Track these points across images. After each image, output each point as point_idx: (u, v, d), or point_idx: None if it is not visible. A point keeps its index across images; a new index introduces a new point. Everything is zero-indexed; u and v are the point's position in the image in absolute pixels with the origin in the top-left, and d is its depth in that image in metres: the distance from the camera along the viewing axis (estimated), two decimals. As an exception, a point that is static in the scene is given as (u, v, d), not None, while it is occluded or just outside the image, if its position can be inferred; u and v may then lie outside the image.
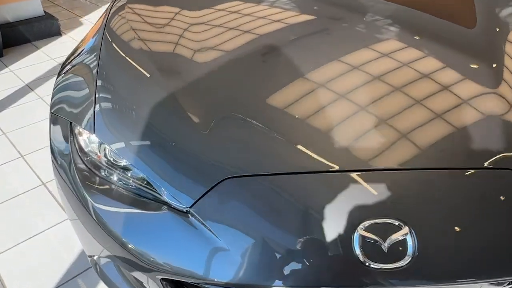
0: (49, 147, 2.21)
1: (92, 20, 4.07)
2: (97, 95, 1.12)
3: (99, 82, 1.15)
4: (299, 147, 0.95)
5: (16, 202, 1.89)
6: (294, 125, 0.99)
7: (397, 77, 1.09)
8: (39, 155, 2.19)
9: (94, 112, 1.09)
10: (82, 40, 1.48)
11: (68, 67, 1.34)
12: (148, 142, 1.01)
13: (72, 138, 1.13)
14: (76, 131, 1.13)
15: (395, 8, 1.41)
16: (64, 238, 1.69)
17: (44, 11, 3.66)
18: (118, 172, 1.05)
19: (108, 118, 1.08)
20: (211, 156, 0.96)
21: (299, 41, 1.22)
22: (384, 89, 1.06)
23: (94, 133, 1.07)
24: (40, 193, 1.93)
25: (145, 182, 1.01)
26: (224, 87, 1.09)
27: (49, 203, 1.87)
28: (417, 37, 1.25)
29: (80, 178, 1.06)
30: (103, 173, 1.07)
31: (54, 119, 1.21)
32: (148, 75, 1.15)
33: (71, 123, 1.14)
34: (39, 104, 2.67)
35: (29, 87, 2.87)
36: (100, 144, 1.08)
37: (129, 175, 1.05)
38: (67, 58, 1.41)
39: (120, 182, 1.04)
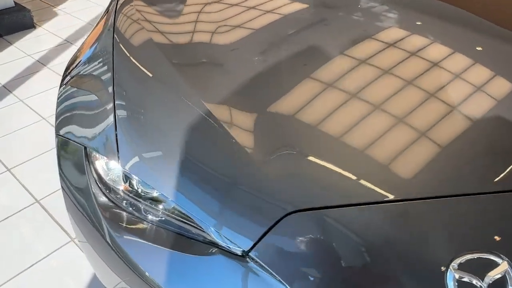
0: (37, 157, 2.02)
1: (67, 9, 3.76)
2: (117, 113, 0.93)
3: (117, 98, 0.96)
4: (372, 173, 0.81)
5: (7, 225, 1.68)
6: (363, 148, 0.84)
7: (445, 85, 0.95)
8: (28, 167, 1.98)
9: (116, 135, 0.91)
10: (81, 46, 1.27)
11: (72, 78, 1.14)
12: (189, 172, 0.85)
13: (88, 166, 0.95)
14: (93, 156, 0.95)
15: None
16: (69, 265, 1.51)
17: (13, 1, 3.33)
18: (148, 204, 0.89)
19: (136, 143, 0.90)
20: (270, 187, 0.81)
21: (353, 52, 1.06)
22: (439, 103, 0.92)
23: (119, 161, 0.89)
24: (34, 212, 1.73)
25: (185, 217, 0.86)
26: (274, 108, 0.91)
27: (46, 224, 1.67)
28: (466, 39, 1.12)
29: (106, 216, 0.89)
30: (130, 208, 0.90)
31: (62, 143, 1.02)
32: (180, 89, 0.96)
33: (85, 148, 0.96)
34: (20, 108, 2.42)
35: (6, 89, 2.60)
36: (125, 172, 0.91)
37: (161, 207, 0.89)
38: (68, 67, 1.20)
39: (154, 218, 0.88)
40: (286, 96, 0.92)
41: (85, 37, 3.22)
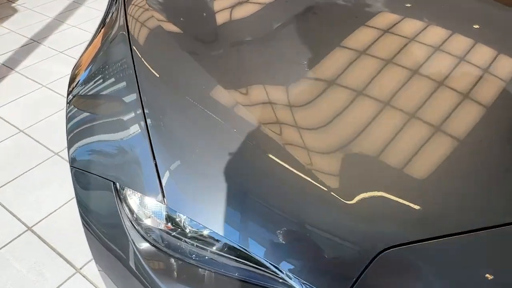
0: (20, 177, 1.78)
1: (27, 5, 3.42)
2: (153, 140, 0.76)
3: (150, 120, 0.78)
4: (471, 196, 0.69)
5: (-1, 259, 1.47)
6: (460, 170, 0.72)
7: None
8: (12, 189, 1.75)
9: (157, 166, 0.74)
10: (82, 57, 1.05)
11: (81, 97, 0.93)
12: (254, 210, 0.69)
13: (120, 204, 0.78)
14: (125, 193, 0.78)
15: None
16: (78, 301, 1.33)
17: (-33, -2, 2.98)
18: (203, 247, 0.74)
19: (181, 174, 0.74)
20: (355, 225, 0.67)
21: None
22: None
23: (164, 198, 0.72)
24: (28, 242, 1.52)
25: (250, 261, 0.71)
26: (355, 144, 0.74)
27: (44, 255, 1.47)
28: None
29: (152, 266, 0.73)
30: (178, 253, 0.74)
31: (80, 177, 0.84)
32: (234, 111, 0.79)
33: (114, 183, 0.78)
34: (-9, 120, 2.15)
35: (-28, 99, 2.32)
36: (168, 210, 0.75)
37: (215, 249, 0.74)
38: (71, 83, 0.99)
39: (211, 264, 0.73)
40: (369, 128, 0.76)
41: (54, 35, 2.90)
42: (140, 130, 0.78)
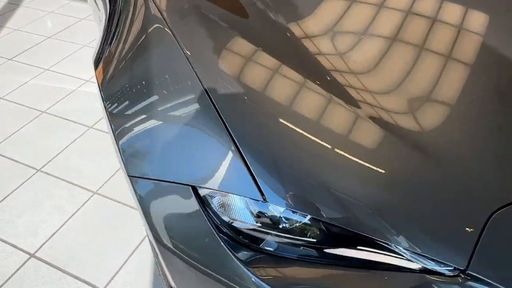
0: (4, 201, 1.57)
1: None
2: (235, 137, 0.69)
3: (227, 118, 0.71)
4: None
5: (6, 295, 1.31)
6: None
7: None
8: (3, 214, 1.56)
9: (246, 163, 0.67)
10: (103, 65, 0.92)
11: (128, 108, 0.82)
12: (358, 182, 0.67)
13: (205, 211, 0.70)
14: (208, 197, 0.71)
15: None
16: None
17: None
18: (298, 238, 0.70)
19: (273, 167, 0.68)
20: (471, 188, 0.67)
21: None
22: None
23: (263, 195, 0.66)
24: (36, 270, 1.37)
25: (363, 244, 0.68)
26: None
27: (58, 280, 1.33)
28: None
29: (259, 274, 0.66)
30: (279, 251, 0.70)
31: (147, 188, 0.74)
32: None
33: (192, 187, 0.71)
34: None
35: None
36: (261, 206, 0.69)
37: (309, 234, 0.71)
38: (106, 92, 0.87)
39: (312, 254, 0.69)
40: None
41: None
42: (216, 127, 0.71)
